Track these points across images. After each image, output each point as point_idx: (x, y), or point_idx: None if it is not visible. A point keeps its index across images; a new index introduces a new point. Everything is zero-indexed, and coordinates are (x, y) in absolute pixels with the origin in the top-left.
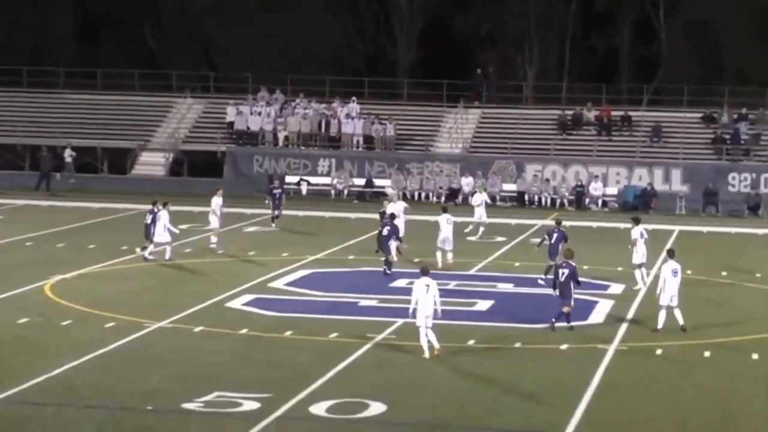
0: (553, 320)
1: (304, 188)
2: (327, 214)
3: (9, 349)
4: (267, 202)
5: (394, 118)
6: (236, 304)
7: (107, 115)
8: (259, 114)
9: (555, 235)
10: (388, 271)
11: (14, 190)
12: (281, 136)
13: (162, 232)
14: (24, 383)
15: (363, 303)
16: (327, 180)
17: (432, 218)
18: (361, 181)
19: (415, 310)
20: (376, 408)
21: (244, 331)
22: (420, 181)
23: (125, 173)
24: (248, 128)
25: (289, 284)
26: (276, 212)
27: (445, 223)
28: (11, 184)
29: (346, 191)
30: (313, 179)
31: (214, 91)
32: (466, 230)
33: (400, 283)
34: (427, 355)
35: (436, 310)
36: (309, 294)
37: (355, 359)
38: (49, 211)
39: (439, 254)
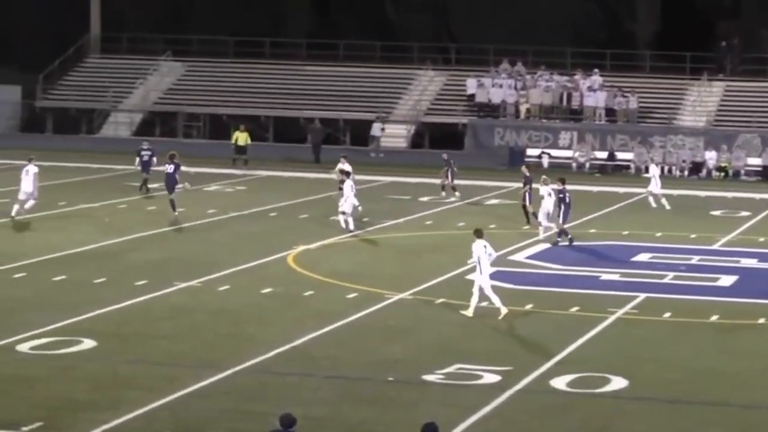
0: None
1: (545, 161)
2: (568, 188)
3: (252, 318)
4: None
5: (637, 91)
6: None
7: (348, 88)
8: (501, 86)
9: None
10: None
11: (257, 161)
12: (523, 108)
13: None
14: (266, 353)
15: (604, 277)
16: (568, 153)
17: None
18: (603, 154)
19: (477, 267)
20: (618, 383)
21: (485, 303)
22: (663, 154)
23: (367, 145)
24: (489, 100)
25: (530, 257)
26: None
27: (547, 195)
28: (254, 155)
29: (587, 164)
30: (554, 152)
31: (455, 63)
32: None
33: (643, 257)
34: (503, 310)
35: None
36: (550, 267)
37: (596, 333)
38: (292, 182)
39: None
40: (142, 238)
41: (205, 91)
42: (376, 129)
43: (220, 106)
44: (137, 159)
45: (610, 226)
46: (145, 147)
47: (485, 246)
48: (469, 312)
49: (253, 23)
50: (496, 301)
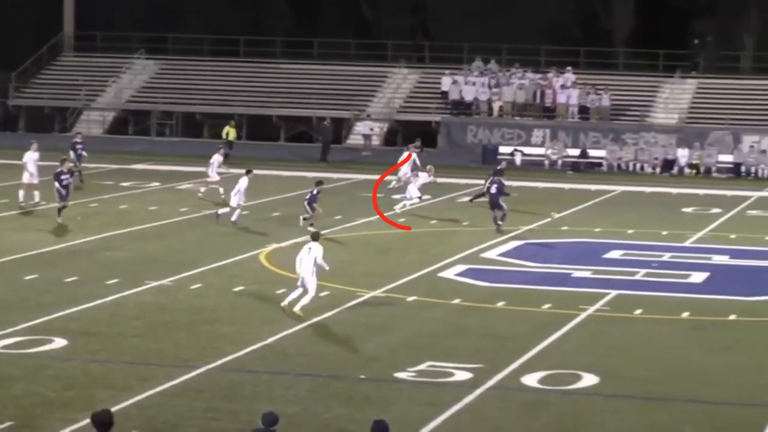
0: None
1: (518, 158)
2: (540, 185)
3: (225, 316)
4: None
5: (610, 88)
6: (449, 274)
7: (323, 85)
8: (474, 84)
9: None
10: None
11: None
12: (496, 106)
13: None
14: (239, 351)
15: (576, 274)
16: (541, 150)
17: None
18: (576, 152)
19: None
20: (589, 380)
21: (456, 301)
22: (635, 152)
23: (340, 143)
24: (462, 98)
25: (502, 255)
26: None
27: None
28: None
29: (560, 162)
30: (526, 149)
31: (429, 60)
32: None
33: (614, 254)
34: (285, 303)
35: (315, 270)
36: (522, 265)
37: (567, 331)
38: (266, 180)
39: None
40: (112, 237)
41: (179, 89)
42: (365, 128)
43: (194, 105)
44: (71, 153)
45: (583, 224)
46: (78, 140)
47: (309, 248)
48: (285, 303)
49: (230, 22)
50: (293, 295)
